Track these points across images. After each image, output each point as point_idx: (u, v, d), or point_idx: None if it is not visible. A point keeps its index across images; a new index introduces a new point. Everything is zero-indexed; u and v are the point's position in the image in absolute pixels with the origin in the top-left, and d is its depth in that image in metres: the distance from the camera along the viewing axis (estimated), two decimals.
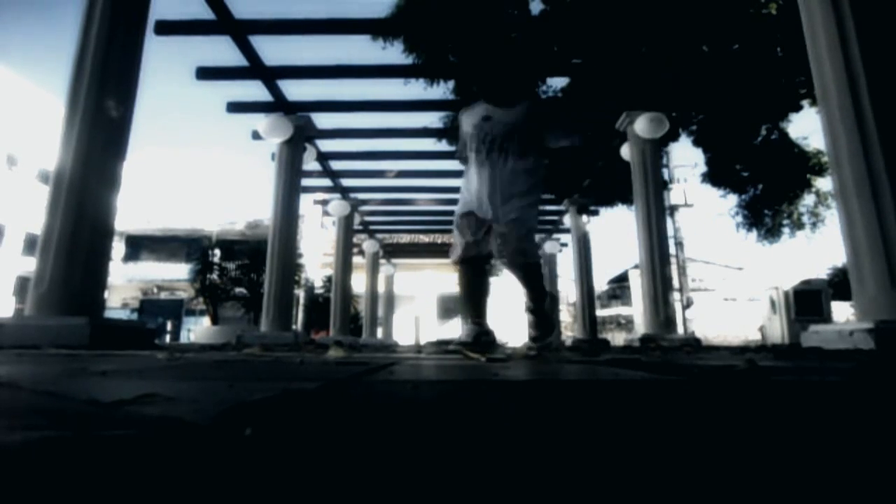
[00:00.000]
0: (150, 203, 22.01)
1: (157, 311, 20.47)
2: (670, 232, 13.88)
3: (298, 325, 12.79)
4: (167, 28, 4.95)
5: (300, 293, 12.81)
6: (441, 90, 9.10)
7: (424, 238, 19.24)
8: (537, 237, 12.93)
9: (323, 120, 6.70)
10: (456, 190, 9.66)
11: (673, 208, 16.42)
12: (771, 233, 10.66)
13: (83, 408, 0.73)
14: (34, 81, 24.54)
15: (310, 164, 7.07)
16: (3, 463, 0.43)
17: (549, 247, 12.38)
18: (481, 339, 2.91)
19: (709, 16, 7.06)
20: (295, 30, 5.40)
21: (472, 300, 3.09)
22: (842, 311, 14.30)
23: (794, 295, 13.22)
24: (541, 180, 3.16)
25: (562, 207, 10.27)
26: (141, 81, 3.45)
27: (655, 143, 6.10)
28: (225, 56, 5.58)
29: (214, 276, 12.41)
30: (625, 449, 0.51)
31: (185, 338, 18.18)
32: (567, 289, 19.13)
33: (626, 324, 24.45)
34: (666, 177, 15.72)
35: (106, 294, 3.38)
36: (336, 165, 8.45)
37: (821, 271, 25.38)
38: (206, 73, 5.81)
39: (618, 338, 19.02)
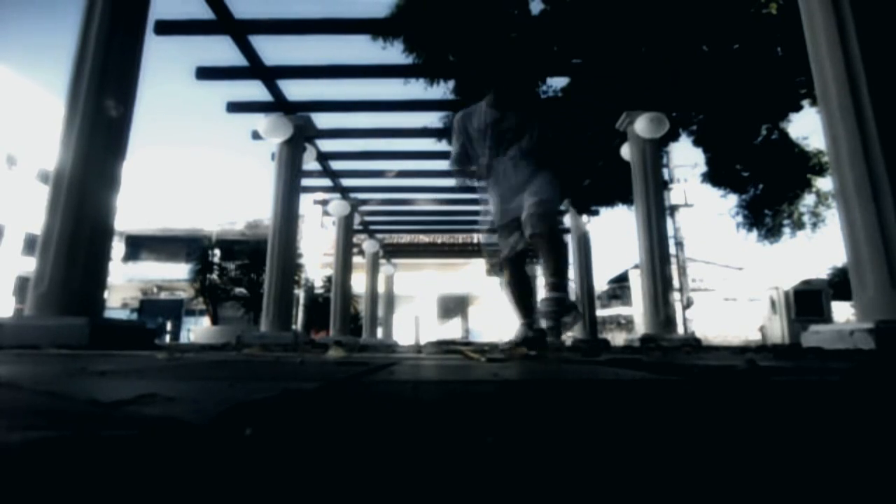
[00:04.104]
0: (150, 203, 22.00)
1: (157, 311, 20.46)
2: (670, 232, 13.86)
3: (298, 325, 12.80)
4: (167, 28, 4.95)
5: (300, 293, 12.81)
6: (441, 90, 9.08)
7: (424, 238, 19.24)
8: None
9: (323, 120, 6.71)
10: (456, 190, 9.70)
11: (673, 208, 16.41)
12: (771, 233, 10.65)
13: (83, 408, 0.73)
14: (34, 81, 24.52)
15: (310, 164, 7.07)
16: (3, 463, 0.43)
17: None
18: (528, 336, 3.06)
19: (709, 16, 7.05)
20: (295, 30, 5.40)
21: (518, 298, 3.25)
22: (842, 311, 14.28)
23: (795, 295, 13.21)
24: (554, 164, 3.21)
25: (562, 207, 10.27)
26: (141, 81, 3.45)
27: (655, 143, 6.10)
28: (225, 56, 5.58)
29: (214, 276, 12.39)
30: (625, 449, 0.51)
31: (184, 338, 18.18)
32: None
33: (626, 324, 24.43)
34: (666, 177, 15.71)
35: (106, 294, 3.38)
36: (336, 165, 8.46)
37: (821, 271, 25.36)
38: (205, 73, 5.81)
39: (618, 338, 19.01)
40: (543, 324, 3.05)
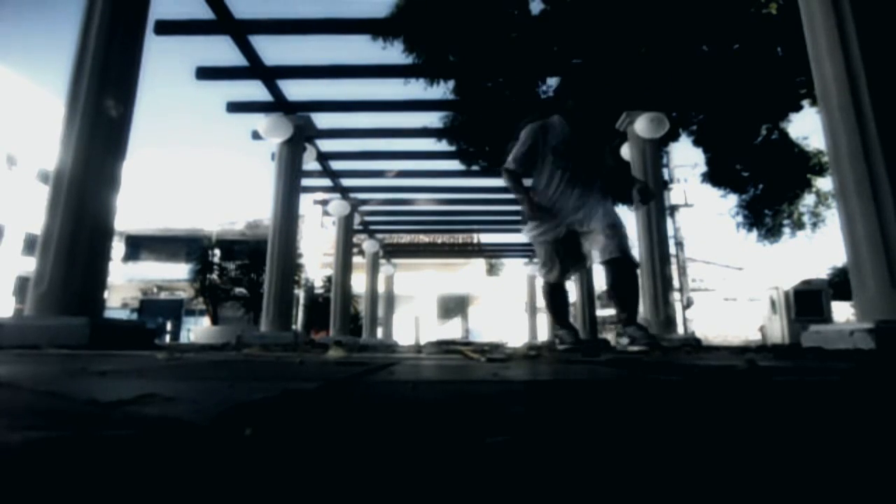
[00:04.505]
0: (150, 203, 21.96)
1: (157, 311, 20.44)
2: (670, 232, 13.86)
3: (298, 325, 12.79)
4: (167, 28, 4.94)
5: (300, 293, 12.80)
6: (441, 90, 9.10)
7: (424, 238, 19.25)
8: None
9: (323, 120, 6.70)
10: (456, 190, 9.70)
11: (673, 208, 16.40)
12: (771, 233, 10.66)
13: (83, 408, 0.73)
14: (34, 81, 24.50)
15: (310, 164, 7.07)
16: (3, 463, 0.43)
17: None
18: (579, 338, 3.48)
19: (709, 16, 7.05)
20: (295, 30, 5.40)
21: (561, 313, 3.64)
22: (842, 311, 14.27)
23: (795, 295, 13.21)
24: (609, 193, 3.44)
25: None
26: (141, 81, 3.45)
27: (655, 143, 6.09)
28: (225, 56, 5.58)
29: (214, 276, 12.40)
30: (625, 450, 0.51)
31: (184, 338, 18.17)
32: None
33: None
34: (666, 177, 15.69)
35: (106, 294, 3.38)
36: (336, 165, 8.45)
37: (821, 271, 25.35)
38: (205, 73, 5.81)
39: None
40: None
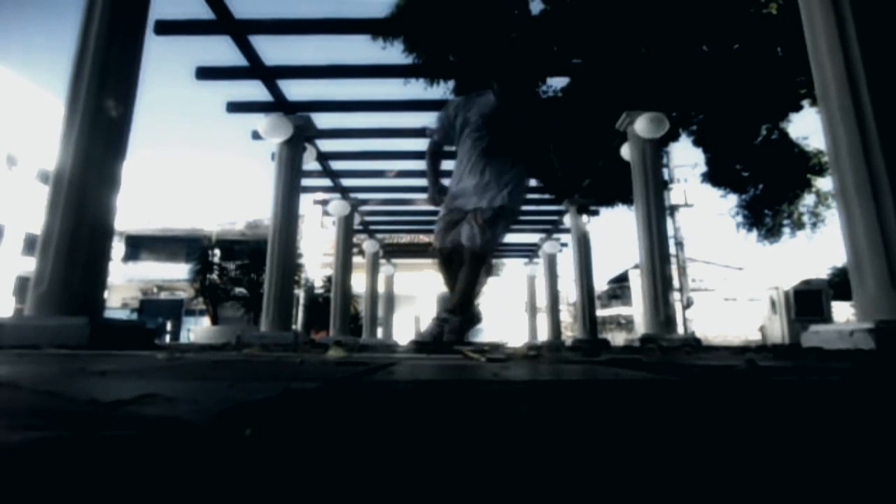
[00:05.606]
0: (150, 203, 21.99)
1: (157, 311, 20.45)
2: (670, 232, 13.86)
3: (298, 325, 12.78)
4: (167, 28, 4.95)
5: (300, 293, 12.79)
6: (441, 90, 9.11)
7: (424, 238, 19.23)
8: (537, 238, 13.02)
9: (323, 120, 6.70)
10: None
11: (673, 208, 16.41)
12: (771, 233, 10.67)
13: (83, 408, 0.73)
14: (34, 81, 24.51)
15: (310, 164, 7.07)
16: (3, 463, 0.43)
17: (548, 247, 12.37)
18: (427, 339, 3.21)
19: (709, 16, 7.06)
20: (295, 30, 5.40)
21: (447, 285, 3.43)
22: (842, 311, 14.29)
23: (795, 295, 13.22)
24: (524, 171, 3.38)
25: (562, 207, 10.26)
26: (141, 81, 3.45)
27: (655, 143, 6.09)
28: (225, 56, 5.58)
29: (214, 276, 12.39)
30: (625, 450, 0.51)
31: (185, 338, 18.17)
32: (567, 289, 19.15)
33: (626, 324, 24.44)
34: (666, 177, 15.71)
35: (106, 294, 3.38)
36: (336, 165, 8.45)
37: (821, 271, 25.38)
38: (205, 73, 5.81)
39: (618, 338, 19.02)
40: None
